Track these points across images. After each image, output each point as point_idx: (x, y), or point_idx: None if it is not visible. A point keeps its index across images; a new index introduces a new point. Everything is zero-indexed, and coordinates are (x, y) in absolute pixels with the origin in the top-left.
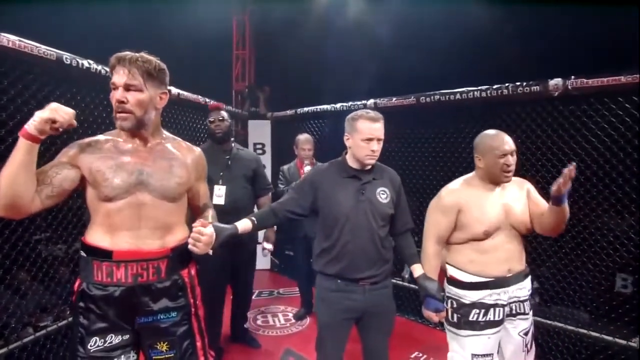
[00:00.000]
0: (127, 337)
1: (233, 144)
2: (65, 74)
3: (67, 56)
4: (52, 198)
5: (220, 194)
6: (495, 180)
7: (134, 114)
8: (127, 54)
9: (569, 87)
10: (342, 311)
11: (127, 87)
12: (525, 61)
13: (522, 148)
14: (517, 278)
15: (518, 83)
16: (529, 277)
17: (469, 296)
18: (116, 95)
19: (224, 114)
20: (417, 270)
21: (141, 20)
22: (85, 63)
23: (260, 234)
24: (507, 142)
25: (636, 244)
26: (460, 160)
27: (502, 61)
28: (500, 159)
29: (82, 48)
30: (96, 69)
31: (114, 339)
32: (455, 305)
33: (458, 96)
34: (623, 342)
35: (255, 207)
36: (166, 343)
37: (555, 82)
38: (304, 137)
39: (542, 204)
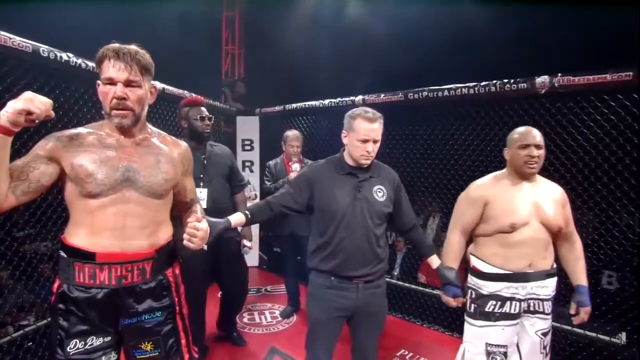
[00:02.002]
0: (108, 338)
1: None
2: (42, 67)
3: (44, 48)
4: (28, 194)
5: (202, 197)
6: (520, 172)
7: (134, 111)
8: (123, 47)
9: (556, 84)
10: (334, 309)
11: (128, 83)
12: (513, 58)
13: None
14: (539, 276)
15: (506, 80)
16: (554, 279)
17: (488, 287)
18: (116, 91)
19: (205, 109)
20: (435, 261)
21: (128, 13)
22: (64, 56)
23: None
24: (533, 135)
25: (620, 242)
26: (447, 157)
27: (490, 58)
28: (522, 150)
29: (66, 42)
30: (76, 62)
31: (95, 341)
32: (473, 296)
33: (446, 93)
34: (606, 338)
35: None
36: (150, 342)
37: (543, 79)
38: (292, 134)
39: (570, 226)
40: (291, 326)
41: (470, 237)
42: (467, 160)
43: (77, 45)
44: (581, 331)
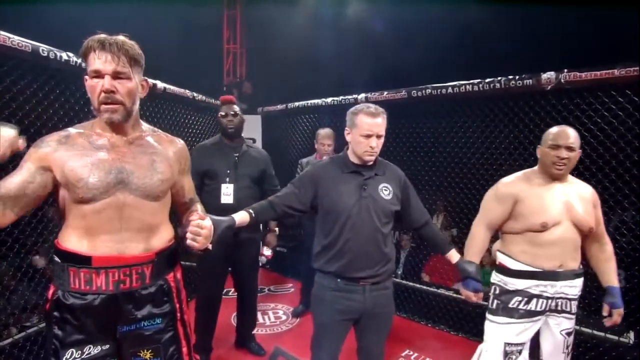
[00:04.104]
0: (107, 347)
1: (244, 141)
2: (42, 67)
3: (43, 48)
4: (25, 208)
5: (228, 192)
6: (548, 172)
7: (124, 105)
8: (109, 37)
9: (562, 80)
10: (340, 312)
11: (116, 75)
12: (517, 54)
13: (515, 142)
14: (568, 275)
15: (511, 76)
16: (582, 279)
17: (515, 283)
18: (104, 84)
19: (237, 108)
20: (454, 256)
21: (129, 12)
22: (64, 55)
23: None
24: (564, 137)
25: (629, 240)
26: (452, 155)
27: (494, 54)
28: (552, 150)
29: (66, 41)
30: (76, 61)
31: (93, 350)
32: (497, 292)
33: (450, 90)
34: (615, 337)
35: None
36: (150, 350)
37: (548, 75)
38: (324, 132)
39: (600, 226)
40: (295, 326)
41: (496, 234)
42: (472, 158)
43: (76, 44)
44: (589, 330)
